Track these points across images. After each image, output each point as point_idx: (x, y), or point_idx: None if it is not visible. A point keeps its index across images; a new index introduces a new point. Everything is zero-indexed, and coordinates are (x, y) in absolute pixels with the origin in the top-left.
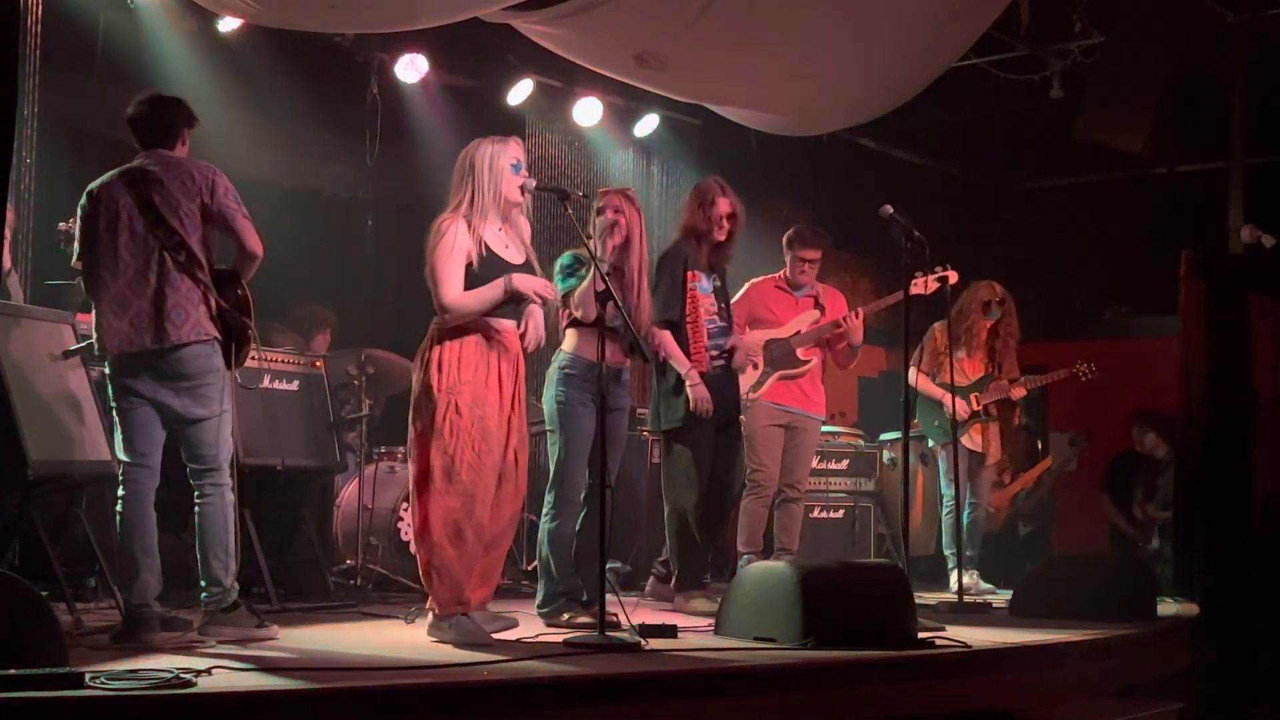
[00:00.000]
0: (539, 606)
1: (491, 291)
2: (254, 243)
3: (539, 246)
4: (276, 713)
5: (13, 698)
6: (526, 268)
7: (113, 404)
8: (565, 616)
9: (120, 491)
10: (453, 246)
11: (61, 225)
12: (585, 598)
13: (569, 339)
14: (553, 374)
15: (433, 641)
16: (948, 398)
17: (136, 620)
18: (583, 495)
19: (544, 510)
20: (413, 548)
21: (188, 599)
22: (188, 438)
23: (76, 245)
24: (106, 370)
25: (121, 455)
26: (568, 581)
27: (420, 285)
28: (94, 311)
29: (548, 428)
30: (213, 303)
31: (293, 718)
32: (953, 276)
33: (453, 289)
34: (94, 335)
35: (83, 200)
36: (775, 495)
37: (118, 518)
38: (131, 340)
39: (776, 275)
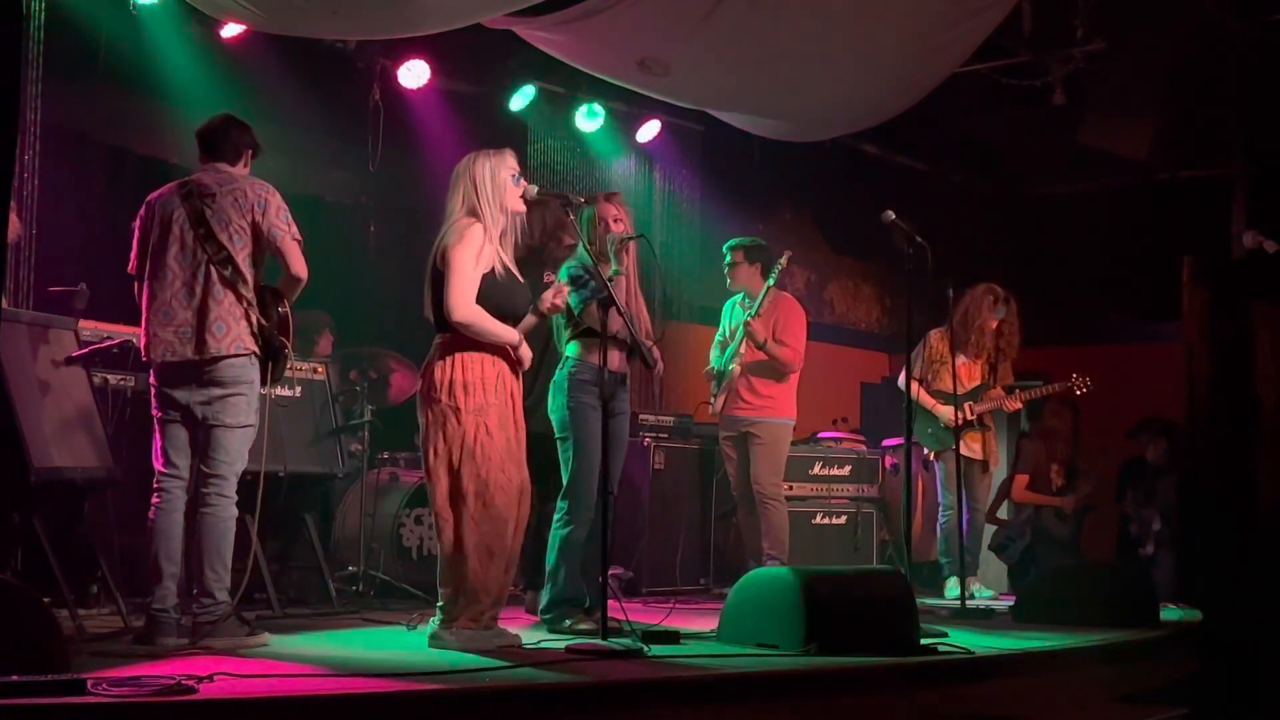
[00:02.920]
0: (542, 612)
1: (506, 334)
2: (298, 265)
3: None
4: (278, 719)
5: (16, 703)
6: (523, 287)
7: (154, 412)
8: (568, 623)
9: (154, 499)
10: (478, 252)
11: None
12: (589, 604)
13: (576, 347)
14: (561, 381)
15: (435, 648)
16: (940, 406)
17: (155, 624)
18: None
19: (556, 517)
20: (440, 561)
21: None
22: (208, 440)
23: (133, 253)
24: (150, 379)
25: (157, 465)
26: (573, 589)
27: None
28: (142, 319)
29: (558, 435)
30: (254, 319)
31: None
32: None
33: (470, 298)
34: (140, 342)
35: (141, 210)
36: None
37: (149, 523)
38: (174, 350)
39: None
